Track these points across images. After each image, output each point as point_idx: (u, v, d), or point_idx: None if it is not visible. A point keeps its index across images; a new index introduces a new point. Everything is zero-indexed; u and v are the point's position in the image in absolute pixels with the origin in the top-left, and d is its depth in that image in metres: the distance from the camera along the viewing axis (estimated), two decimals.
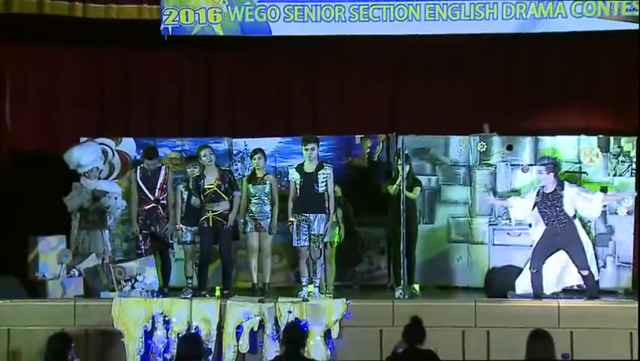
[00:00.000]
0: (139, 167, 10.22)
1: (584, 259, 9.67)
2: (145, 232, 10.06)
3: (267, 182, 10.02)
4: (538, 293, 9.65)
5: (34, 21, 10.81)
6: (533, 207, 9.76)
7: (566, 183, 9.77)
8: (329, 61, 11.60)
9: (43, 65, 11.62)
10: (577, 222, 9.74)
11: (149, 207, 10.08)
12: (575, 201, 9.66)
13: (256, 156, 10.02)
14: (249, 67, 11.78)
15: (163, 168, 10.23)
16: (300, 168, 9.86)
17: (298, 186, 9.80)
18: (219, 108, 11.74)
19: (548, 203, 9.65)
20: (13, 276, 9.80)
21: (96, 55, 11.66)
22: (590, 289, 9.68)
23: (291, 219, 9.82)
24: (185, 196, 10.00)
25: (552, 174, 9.70)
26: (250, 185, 10.03)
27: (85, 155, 10.32)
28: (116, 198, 10.28)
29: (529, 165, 10.56)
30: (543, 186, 9.74)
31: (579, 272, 9.67)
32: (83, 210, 10.18)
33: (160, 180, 10.13)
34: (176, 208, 10.07)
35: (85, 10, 10.70)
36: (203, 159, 9.91)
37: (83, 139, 10.76)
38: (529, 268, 9.71)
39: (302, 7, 10.46)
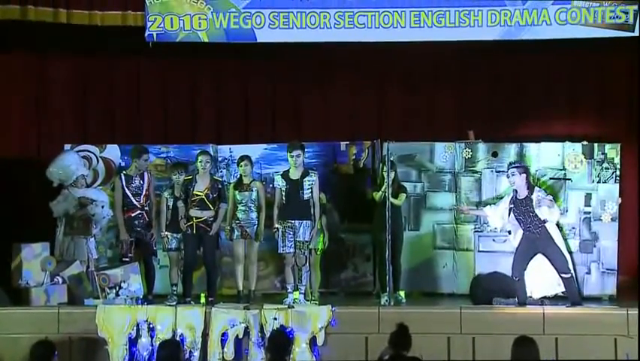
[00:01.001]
0: (123, 174, 10.17)
1: (564, 262, 9.70)
2: (130, 239, 10.03)
3: (254, 189, 10.01)
4: (522, 300, 9.66)
5: (17, 27, 10.84)
6: (509, 214, 9.79)
7: (535, 188, 9.81)
8: (314, 67, 11.62)
9: (27, 71, 11.61)
10: (552, 225, 9.78)
11: (134, 214, 10.05)
12: (541, 204, 9.68)
13: (243, 163, 10.01)
14: (234, 73, 11.79)
15: (146, 174, 10.19)
16: (285, 175, 9.86)
17: (284, 193, 9.80)
18: (204, 115, 11.73)
19: (522, 209, 9.67)
20: None
21: (80, 61, 11.65)
22: (572, 293, 9.71)
23: (276, 225, 9.81)
24: (171, 203, 9.97)
25: (524, 176, 9.71)
26: (237, 192, 10.01)
27: (65, 167, 10.22)
28: (102, 207, 10.23)
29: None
30: (516, 192, 9.76)
31: (560, 275, 9.70)
32: (68, 217, 10.14)
33: (145, 187, 10.10)
34: (160, 215, 10.03)
35: (69, 16, 10.75)
36: (199, 164, 9.88)
37: (66, 146, 10.71)
38: (512, 276, 9.74)
39: (287, 13, 10.54)
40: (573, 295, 9.70)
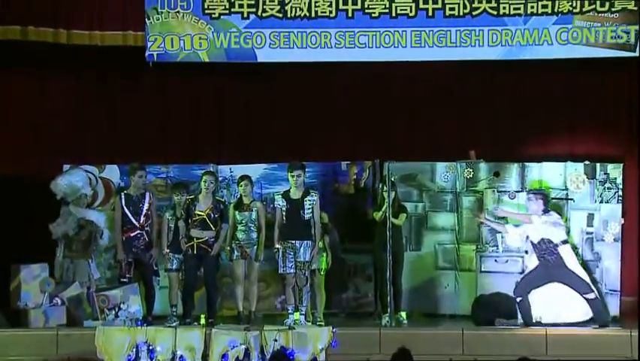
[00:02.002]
0: (123, 193, 10.17)
1: (583, 283, 9.69)
2: (129, 259, 10.00)
3: (254, 209, 10.01)
4: (527, 321, 9.65)
5: (18, 47, 10.88)
6: (526, 238, 9.88)
7: (550, 212, 9.85)
8: (315, 87, 11.62)
9: (27, 90, 11.60)
10: (566, 248, 9.78)
11: (133, 234, 10.03)
12: (555, 226, 9.77)
13: (243, 183, 10.01)
14: (235, 93, 11.78)
15: (147, 194, 10.19)
16: (286, 195, 9.84)
17: (284, 213, 9.79)
18: (205, 135, 11.74)
19: (536, 235, 9.73)
20: None
21: (80, 81, 11.65)
22: (599, 314, 9.67)
23: (277, 246, 9.80)
24: (172, 224, 9.96)
25: (540, 202, 9.80)
26: (237, 212, 10.01)
27: (72, 183, 10.25)
28: (102, 233, 10.25)
29: (516, 191, 10.57)
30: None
31: (583, 297, 9.68)
32: (67, 238, 10.13)
33: (145, 207, 10.09)
34: (162, 235, 10.02)
35: (69, 36, 10.79)
36: (203, 183, 9.88)
37: (65, 166, 10.70)
38: (514, 295, 9.75)
39: (287, 33, 10.61)
40: (599, 315, 9.68)
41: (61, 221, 10.13)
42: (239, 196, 10.15)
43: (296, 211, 9.75)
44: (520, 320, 9.79)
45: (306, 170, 10.02)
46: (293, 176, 9.76)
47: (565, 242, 9.81)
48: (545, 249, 9.71)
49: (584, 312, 9.75)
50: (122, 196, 10.10)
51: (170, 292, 10.02)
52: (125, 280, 9.97)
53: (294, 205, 9.76)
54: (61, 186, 10.19)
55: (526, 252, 10.04)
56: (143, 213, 10.07)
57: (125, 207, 10.04)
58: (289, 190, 9.86)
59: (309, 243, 9.76)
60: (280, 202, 9.82)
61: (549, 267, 9.69)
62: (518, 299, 9.69)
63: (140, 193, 10.10)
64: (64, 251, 10.13)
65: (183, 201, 9.90)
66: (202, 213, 9.84)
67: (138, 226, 10.04)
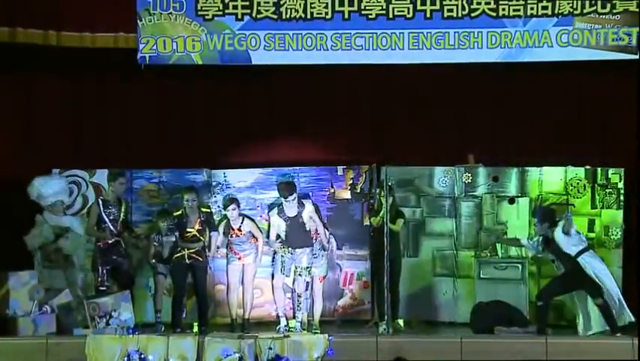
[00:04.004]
0: (100, 199, 10.17)
1: (595, 289, 9.65)
2: (107, 267, 9.94)
3: (245, 231, 10.02)
4: (541, 328, 9.67)
5: (6, 49, 10.89)
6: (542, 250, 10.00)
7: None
8: (311, 90, 11.63)
9: (17, 94, 11.58)
10: (590, 255, 9.73)
11: (110, 241, 9.98)
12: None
13: (230, 208, 9.97)
14: (228, 97, 11.77)
15: (123, 200, 10.17)
16: (282, 214, 9.86)
17: (284, 231, 9.83)
18: (198, 139, 11.74)
19: (552, 247, 9.81)
20: None
21: (71, 84, 11.64)
22: (608, 318, 9.65)
23: (276, 249, 9.88)
24: (158, 240, 9.98)
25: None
26: (229, 237, 10.04)
27: (47, 186, 10.24)
28: (79, 237, 10.21)
29: (516, 196, 10.68)
30: None
31: (593, 301, 9.69)
32: (43, 250, 10.11)
33: (121, 214, 10.05)
34: (150, 248, 10.03)
35: (59, 38, 10.83)
36: (185, 203, 9.96)
37: (54, 170, 10.73)
38: (537, 298, 9.83)
39: (283, 35, 10.63)
40: (609, 320, 9.65)
41: (36, 232, 10.14)
42: (226, 222, 10.07)
43: (296, 226, 9.82)
44: (527, 328, 9.86)
45: (302, 174, 10.20)
46: (288, 201, 9.78)
47: (584, 250, 9.73)
48: (559, 259, 9.78)
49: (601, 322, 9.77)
50: (100, 202, 10.07)
51: (154, 296, 10.07)
52: (103, 288, 9.91)
53: (294, 221, 9.83)
54: (36, 187, 10.19)
55: (553, 261, 10.03)
56: (120, 220, 10.02)
57: (102, 213, 9.98)
58: (282, 207, 9.86)
59: (310, 249, 9.84)
60: (278, 223, 9.84)
61: (569, 275, 9.72)
62: (539, 303, 9.74)
63: (116, 200, 10.07)
64: (43, 262, 10.11)
65: (166, 227, 9.93)
66: (192, 230, 9.96)
67: (115, 232, 9.99)
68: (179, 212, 9.98)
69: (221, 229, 10.04)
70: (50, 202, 10.23)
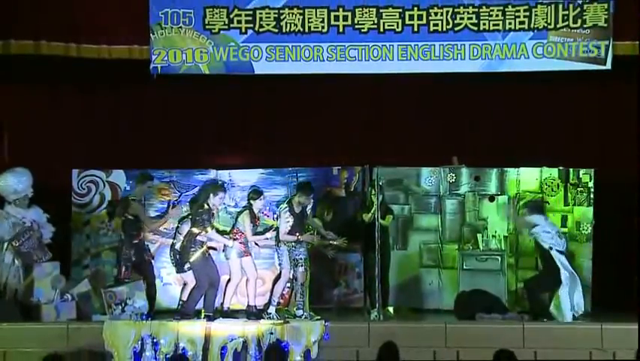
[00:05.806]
0: (137, 200, 10.16)
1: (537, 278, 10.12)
2: (128, 263, 9.98)
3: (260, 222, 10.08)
4: (536, 310, 10.04)
5: (29, 61, 11.04)
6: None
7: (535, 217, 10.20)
8: (309, 98, 11.72)
9: (39, 100, 11.70)
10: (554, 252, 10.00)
11: (137, 240, 10.08)
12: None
13: (257, 199, 9.90)
14: (233, 104, 11.87)
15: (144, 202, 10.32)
16: (291, 210, 9.94)
17: (290, 221, 9.91)
18: (205, 141, 11.81)
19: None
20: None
21: (89, 93, 11.74)
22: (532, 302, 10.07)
23: (287, 243, 9.91)
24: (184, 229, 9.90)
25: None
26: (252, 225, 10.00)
27: (20, 182, 10.18)
28: (42, 228, 10.21)
29: (495, 194, 10.89)
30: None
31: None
32: (10, 242, 10.09)
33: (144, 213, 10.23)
34: (175, 242, 10.00)
35: (79, 50, 10.96)
36: (212, 199, 9.80)
37: (74, 171, 10.87)
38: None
39: (283, 47, 10.79)
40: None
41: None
42: (250, 210, 9.94)
43: (299, 219, 9.96)
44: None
45: (300, 174, 10.31)
46: (309, 199, 9.88)
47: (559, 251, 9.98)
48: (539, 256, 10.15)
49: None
50: (137, 202, 10.13)
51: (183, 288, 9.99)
52: (127, 280, 9.92)
53: (299, 215, 9.98)
54: (10, 184, 10.14)
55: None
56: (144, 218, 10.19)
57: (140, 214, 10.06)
58: (292, 203, 9.94)
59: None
60: (287, 215, 9.89)
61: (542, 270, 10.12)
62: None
63: (141, 201, 10.28)
64: (14, 255, 10.06)
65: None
66: (217, 225, 10.04)
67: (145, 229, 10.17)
68: (205, 207, 9.73)
69: (247, 219, 9.85)
70: (21, 196, 10.17)
